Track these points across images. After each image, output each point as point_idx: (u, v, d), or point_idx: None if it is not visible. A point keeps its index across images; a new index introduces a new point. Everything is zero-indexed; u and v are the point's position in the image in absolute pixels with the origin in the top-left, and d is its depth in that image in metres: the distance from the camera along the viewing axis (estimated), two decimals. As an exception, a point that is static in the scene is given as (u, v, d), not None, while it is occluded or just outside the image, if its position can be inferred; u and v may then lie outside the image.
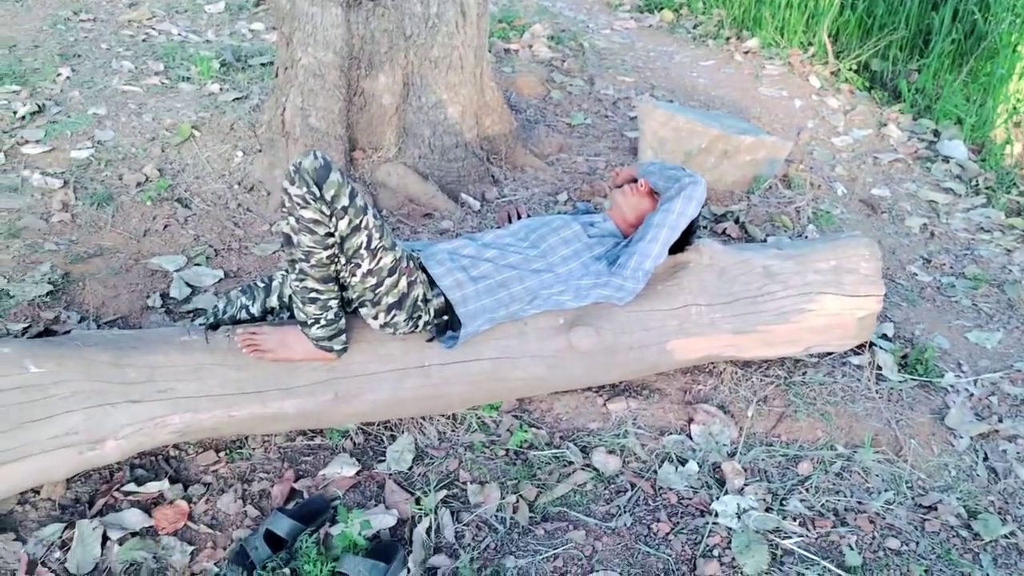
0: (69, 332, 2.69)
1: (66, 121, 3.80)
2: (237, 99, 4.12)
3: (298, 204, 2.01)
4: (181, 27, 4.99)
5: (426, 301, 2.30)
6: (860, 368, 2.88)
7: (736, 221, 3.68)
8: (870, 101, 5.00)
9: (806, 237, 3.60)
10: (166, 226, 3.27)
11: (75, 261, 3.01)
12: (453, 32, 3.47)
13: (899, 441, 2.59)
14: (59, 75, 4.17)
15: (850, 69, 5.25)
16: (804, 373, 2.82)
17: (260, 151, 3.70)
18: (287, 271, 2.31)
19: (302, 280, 2.13)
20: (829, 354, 2.92)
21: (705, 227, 3.64)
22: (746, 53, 5.59)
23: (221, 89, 4.21)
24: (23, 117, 3.78)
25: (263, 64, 4.52)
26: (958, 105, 4.66)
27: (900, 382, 2.83)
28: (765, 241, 3.55)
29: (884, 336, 3.05)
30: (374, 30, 3.48)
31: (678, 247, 2.65)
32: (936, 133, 4.58)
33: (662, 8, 6.27)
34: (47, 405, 2.01)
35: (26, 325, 2.69)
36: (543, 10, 6.05)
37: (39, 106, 3.87)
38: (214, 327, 2.33)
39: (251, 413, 2.22)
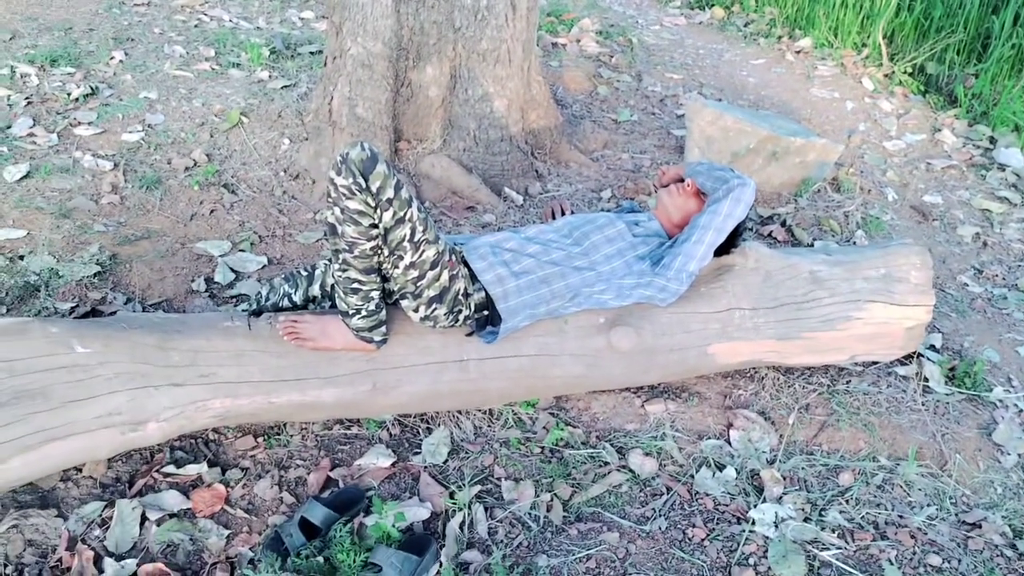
0: (115, 313, 2.74)
1: (118, 104, 3.86)
2: (285, 87, 4.14)
3: (343, 194, 2.01)
4: (232, 14, 5.04)
5: (467, 295, 2.29)
6: (906, 379, 2.82)
7: (783, 224, 3.62)
8: (924, 105, 4.89)
9: (854, 243, 3.54)
10: (212, 211, 3.30)
11: (123, 243, 3.05)
12: (502, 25, 3.45)
13: (944, 455, 2.53)
14: (112, 58, 4.23)
15: (905, 72, 5.14)
16: (848, 382, 2.77)
17: (306, 139, 3.72)
18: (330, 260, 2.31)
19: (345, 270, 2.13)
20: (874, 363, 2.86)
21: (751, 229, 3.59)
22: (798, 53, 5.50)
23: (270, 76, 4.24)
24: (77, 99, 3.84)
25: (312, 53, 4.55)
26: (1016, 112, 4.53)
27: (947, 395, 2.77)
28: (812, 245, 3.49)
29: (932, 347, 2.99)
30: (423, 21, 3.47)
31: (723, 249, 2.61)
32: (992, 140, 4.47)
33: (713, 5, 6.19)
34: (92, 385, 2.03)
35: (73, 305, 2.74)
36: (593, 4, 6.00)
37: (92, 88, 3.93)
38: (257, 313, 2.35)
39: (289, 400, 2.24)
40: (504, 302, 2.31)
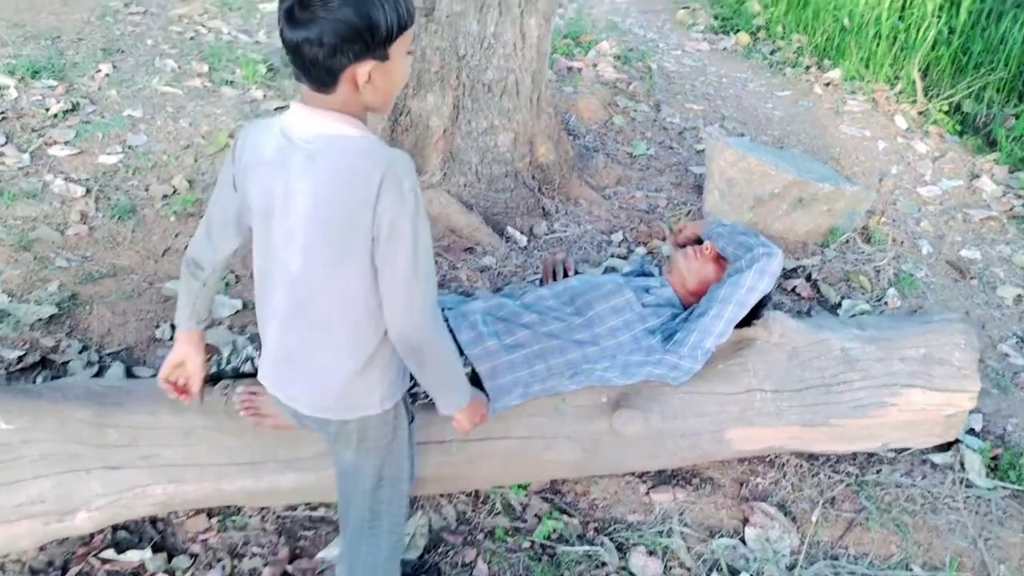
0: (68, 364, 2.48)
1: (99, 122, 3.61)
2: (280, 108, 3.89)
3: None
4: (232, 25, 4.80)
5: (452, 372, 2.01)
6: (944, 469, 2.52)
7: (808, 278, 3.33)
8: (961, 147, 4.59)
9: (886, 303, 3.24)
10: (187, 245, 3.03)
11: (85, 281, 2.80)
12: (510, 55, 3.18)
13: (986, 566, 2.23)
14: (98, 71, 3.99)
15: (940, 110, 4.84)
16: (879, 471, 2.48)
17: (297, 167, 3.46)
18: None
19: None
20: (907, 449, 2.57)
21: (774, 298, 3.30)
22: (827, 85, 5.20)
23: (264, 96, 3.98)
24: (55, 115, 3.59)
25: (311, 71, 4.29)
26: (1061, 159, 4.23)
27: (989, 490, 2.47)
28: (840, 304, 3.20)
29: (971, 431, 2.69)
30: (425, 47, 3.21)
31: (745, 320, 2.32)
32: (1035, 189, 4.17)
33: (738, 30, 5.91)
34: (14, 468, 1.78)
35: (22, 353, 2.48)
36: (612, 26, 5.73)
37: (73, 104, 3.69)
38: (214, 380, 2.08)
39: (242, 487, 1.97)
40: (493, 380, 2.03)
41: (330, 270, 1.45)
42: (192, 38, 4.54)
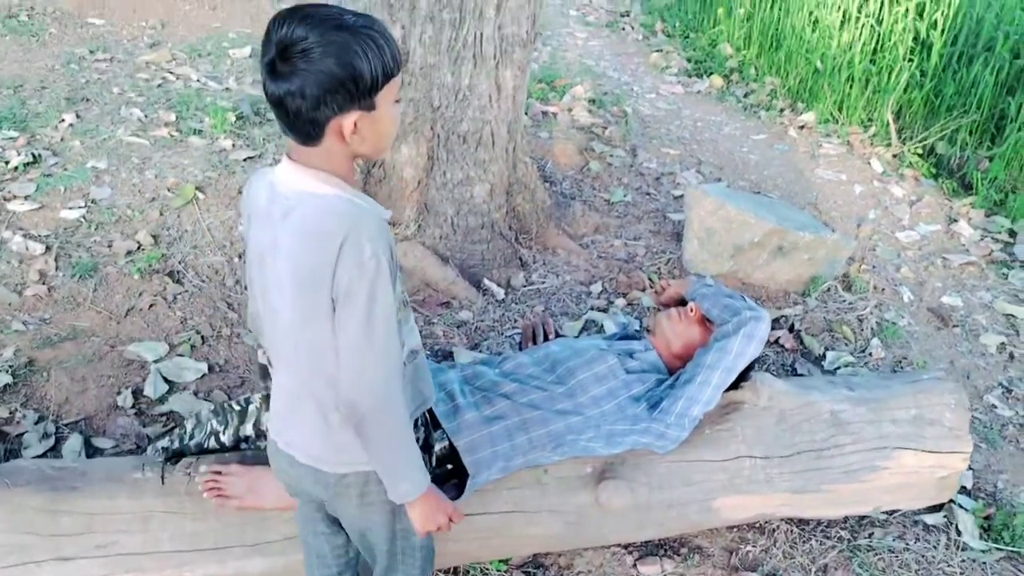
0: (23, 435, 2.36)
1: (61, 175, 3.50)
2: (249, 158, 3.80)
3: None
4: (201, 71, 4.71)
5: (428, 447, 1.91)
6: (936, 530, 2.45)
7: (791, 329, 3.27)
8: (937, 191, 4.59)
9: (870, 354, 3.19)
10: (151, 305, 2.92)
11: (43, 346, 2.67)
12: (485, 106, 3.12)
13: (986, 636, 2.16)
14: (62, 121, 3.88)
15: (915, 153, 4.84)
16: (871, 535, 2.40)
17: (267, 220, 3.36)
18: (260, 405, 1.94)
19: None
20: (897, 511, 2.49)
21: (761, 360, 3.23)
22: (801, 128, 5.20)
23: (233, 145, 3.89)
24: (15, 168, 3.48)
25: (282, 119, 4.21)
26: (1036, 202, 4.23)
27: (983, 551, 2.40)
28: (824, 356, 3.14)
29: (963, 488, 2.62)
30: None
31: (732, 383, 2.24)
32: (1012, 233, 4.15)
33: (711, 73, 5.92)
34: (-44, 563, 1.65)
35: (-28, 426, 2.35)
36: (586, 70, 5.72)
37: (34, 156, 3.57)
38: (176, 457, 1.97)
39: (206, 574, 1.84)
40: (471, 455, 1.93)
41: (306, 326, 1.41)
42: (160, 85, 4.45)
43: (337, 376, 1.41)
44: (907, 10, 5.27)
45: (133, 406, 2.54)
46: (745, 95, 5.68)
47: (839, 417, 2.25)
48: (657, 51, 6.29)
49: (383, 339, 1.37)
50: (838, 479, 2.23)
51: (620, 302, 3.35)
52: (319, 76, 1.26)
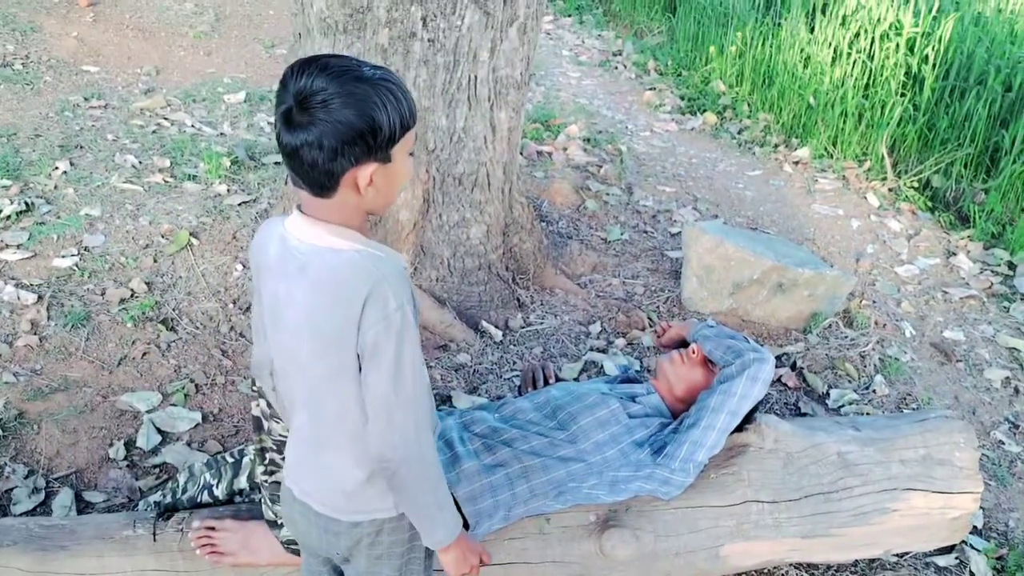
0: (12, 491, 2.30)
1: (55, 223, 3.47)
2: (244, 203, 3.78)
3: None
4: (196, 117, 4.71)
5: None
6: (949, 572, 2.39)
7: (793, 367, 3.24)
8: (934, 224, 4.58)
9: (874, 391, 3.15)
10: (144, 354, 2.88)
11: (34, 397, 2.62)
12: (481, 148, 3.11)
13: None
14: (56, 169, 3.86)
15: (910, 186, 4.84)
16: (882, 579, 2.34)
17: (261, 265, 3.33)
18: (254, 459, 1.89)
19: (272, 473, 1.71)
20: (908, 552, 2.44)
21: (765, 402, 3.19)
22: (796, 163, 5.21)
23: (228, 191, 3.88)
24: (8, 217, 3.45)
25: (277, 163, 4.20)
26: (1034, 235, 4.22)
27: (999, 594, 2.34)
28: (827, 394, 3.10)
29: (974, 528, 2.57)
30: (393, 141, 3.13)
31: (736, 426, 2.20)
32: (1011, 266, 4.13)
33: (705, 110, 5.94)
34: (-61, 630, 1.59)
35: (-40, 483, 2.29)
36: (580, 108, 5.73)
37: (27, 204, 3.55)
38: (168, 512, 1.92)
39: (200, 637, 1.78)
40: (472, 504, 1.88)
41: (328, 380, 1.39)
42: (154, 131, 4.45)
43: (360, 428, 1.40)
44: (898, 46, 5.30)
45: (125, 458, 2.48)
46: (739, 131, 5.69)
47: (847, 458, 2.21)
48: (650, 89, 6.31)
49: (411, 389, 1.37)
50: (847, 522, 2.17)
51: (620, 342, 3.31)
52: (338, 127, 1.25)
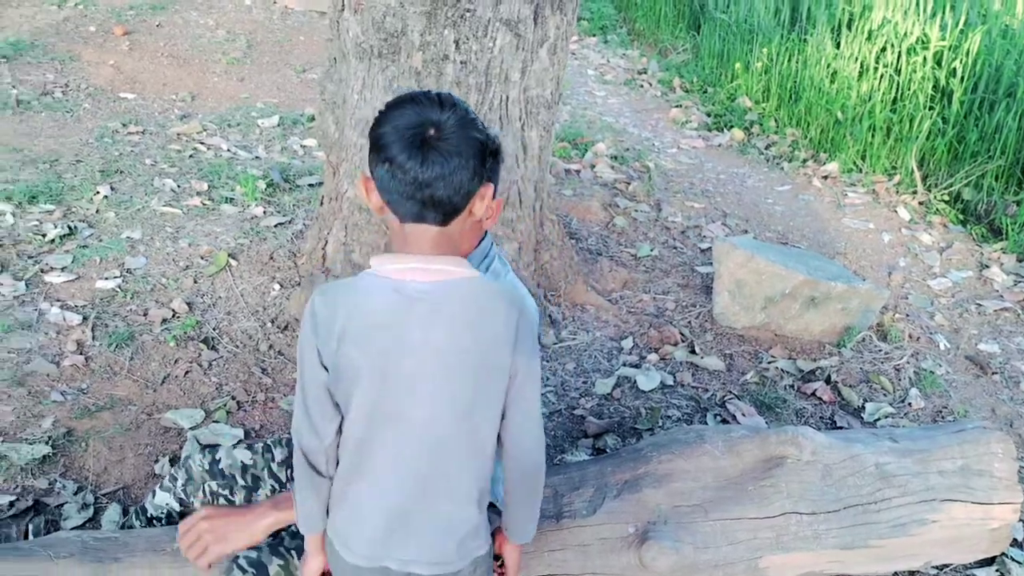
0: (63, 506, 2.36)
1: (97, 246, 3.56)
2: (280, 224, 3.85)
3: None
4: (231, 142, 4.81)
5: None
6: (991, 586, 2.38)
7: (827, 381, 3.24)
8: (966, 237, 4.56)
9: (909, 404, 3.14)
10: (187, 372, 2.94)
11: (81, 416, 2.69)
12: (512, 167, 3.16)
13: None
14: (97, 193, 3.96)
15: (941, 200, 4.83)
16: (923, 592, 2.34)
17: (298, 285, 3.40)
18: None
19: None
20: (948, 565, 2.43)
21: (792, 386, 3.20)
22: (825, 178, 5.21)
23: (264, 212, 3.95)
24: (52, 241, 3.54)
25: (311, 185, 4.28)
26: (1069, 246, 4.20)
27: (1042, 607, 2.32)
28: (863, 408, 3.10)
29: (1014, 541, 2.55)
30: (427, 161, 3.18)
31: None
32: (1046, 277, 4.11)
33: (732, 127, 5.96)
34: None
35: (13, 498, 2.35)
36: (607, 127, 5.78)
37: (70, 228, 3.64)
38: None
39: (250, 647, 1.82)
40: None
41: (459, 420, 1.43)
42: (191, 156, 4.55)
43: (487, 459, 1.48)
44: (924, 59, 5.31)
45: (171, 474, 2.53)
46: (767, 147, 5.71)
47: (884, 470, 2.21)
48: (676, 106, 6.35)
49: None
50: (886, 534, 2.17)
51: (652, 357, 3.33)
52: (475, 147, 1.33)
